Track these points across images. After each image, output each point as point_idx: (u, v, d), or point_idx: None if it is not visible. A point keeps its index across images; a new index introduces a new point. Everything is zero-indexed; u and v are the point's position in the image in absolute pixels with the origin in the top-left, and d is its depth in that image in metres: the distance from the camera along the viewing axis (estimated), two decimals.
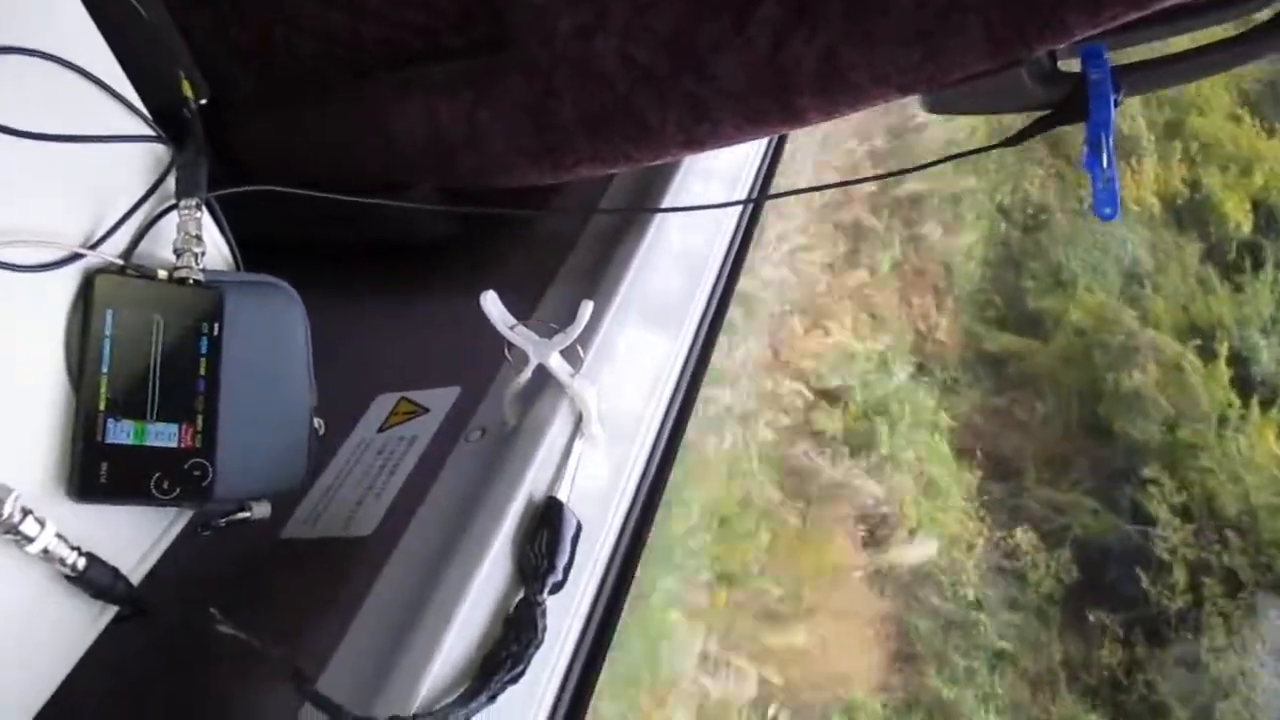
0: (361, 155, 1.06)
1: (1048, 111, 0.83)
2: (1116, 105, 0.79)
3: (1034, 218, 7.94)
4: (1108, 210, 0.81)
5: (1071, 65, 0.83)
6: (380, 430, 0.93)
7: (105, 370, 0.62)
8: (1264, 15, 0.80)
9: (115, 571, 0.62)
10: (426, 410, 0.94)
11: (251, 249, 0.75)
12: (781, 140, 1.31)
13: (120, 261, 0.64)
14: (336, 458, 0.91)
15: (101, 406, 0.61)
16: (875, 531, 6.11)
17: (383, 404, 0.96)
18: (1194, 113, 8.39)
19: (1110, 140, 0.79)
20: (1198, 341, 7.35)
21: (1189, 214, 8.14)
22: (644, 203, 1.04)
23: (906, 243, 7.36)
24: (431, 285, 1.08)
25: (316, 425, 0.76)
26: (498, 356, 0.79)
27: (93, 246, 0.63)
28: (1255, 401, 6.97)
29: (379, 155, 1.04)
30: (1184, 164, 8.22)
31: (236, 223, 0.74)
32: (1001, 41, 0.78)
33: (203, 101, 0.79)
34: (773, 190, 1.30)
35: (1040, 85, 0.82)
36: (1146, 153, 8.12)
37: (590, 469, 0.79)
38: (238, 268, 0.74)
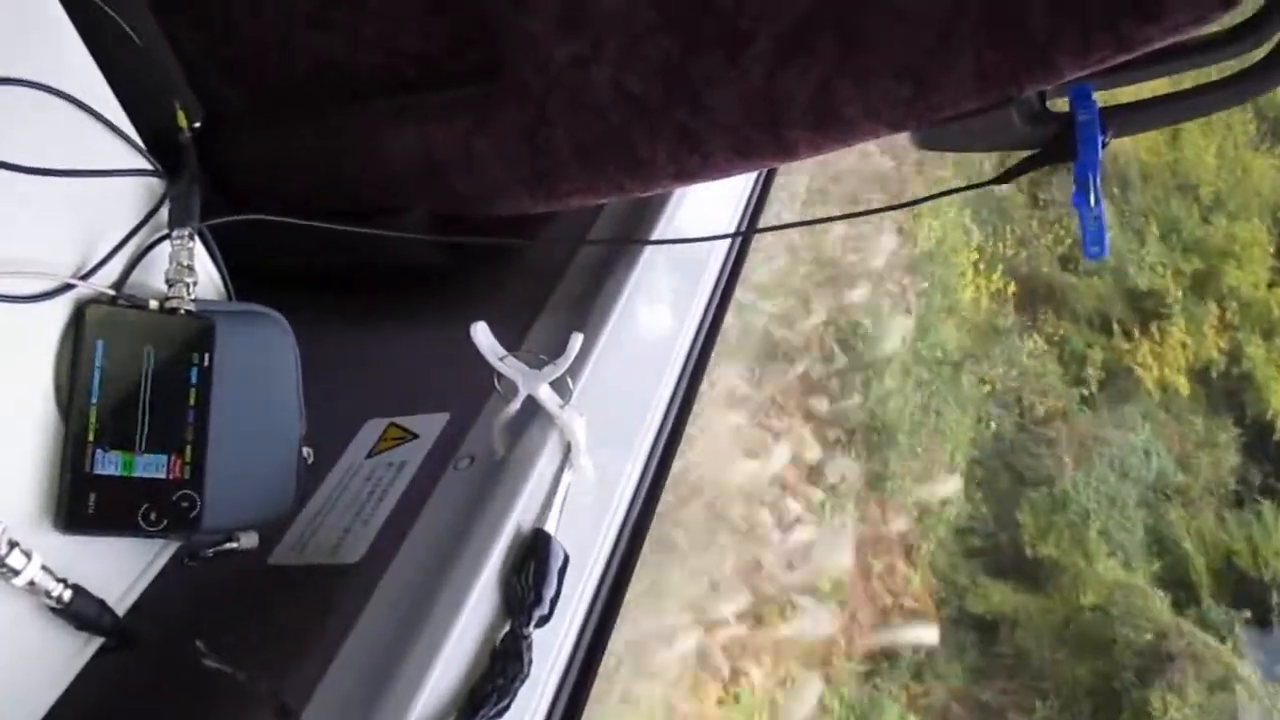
0: (354, 177, 1.06)
1: (1036, 151, 0.84)
2: (1104, 146, 0.80)
3: (1035, 409, 6.61)
4: (1095, 249, 0.82)
5: (1061, 105, 0.83)
6: (369, 456, 0.93)
7: (95, 401, 0.62)
8: (1249, 59, 0.81)
9: (101, 603, 0.62)
10: (416, 436, 0.94)
11: (242, 274, 0.75)
12: (770, 174, 1.32)
13: (112, 292, 0.64)
14: (325, 483, 0.91)
15: (90, 437, 0.61)
16: None
17: (372, 429, 0.96)
18: (1229, 263, 7.03)
19: (1098, 180, 0.80)
20: (1247, 612, 6.00)
21: (1224, 390, 6.82)
22: (634, 234, 1.05)
23: (864, 501, 5.83)
24: (422, 312, 1.08)
25: (305, 454, 0.76)
26: (487, 382, 0.80)
27: (84, 277, 0.63)
28: None
29: (372, 178, 1.04)
30: (1218, 329, 6.91)
31: (227, 248, 0.74)
32: (991, 80, 0.79)
33: (196, 125, 0.79)
34: (761, 224, 1.31)
35: (1029, 124, 0.82)
36: (1173, 315, 6.73)
37: (578, 501, 0.79)
38: (229, 296, 0.74)
